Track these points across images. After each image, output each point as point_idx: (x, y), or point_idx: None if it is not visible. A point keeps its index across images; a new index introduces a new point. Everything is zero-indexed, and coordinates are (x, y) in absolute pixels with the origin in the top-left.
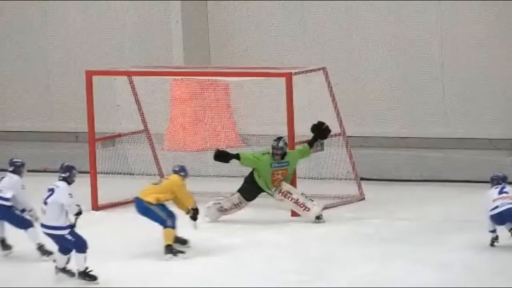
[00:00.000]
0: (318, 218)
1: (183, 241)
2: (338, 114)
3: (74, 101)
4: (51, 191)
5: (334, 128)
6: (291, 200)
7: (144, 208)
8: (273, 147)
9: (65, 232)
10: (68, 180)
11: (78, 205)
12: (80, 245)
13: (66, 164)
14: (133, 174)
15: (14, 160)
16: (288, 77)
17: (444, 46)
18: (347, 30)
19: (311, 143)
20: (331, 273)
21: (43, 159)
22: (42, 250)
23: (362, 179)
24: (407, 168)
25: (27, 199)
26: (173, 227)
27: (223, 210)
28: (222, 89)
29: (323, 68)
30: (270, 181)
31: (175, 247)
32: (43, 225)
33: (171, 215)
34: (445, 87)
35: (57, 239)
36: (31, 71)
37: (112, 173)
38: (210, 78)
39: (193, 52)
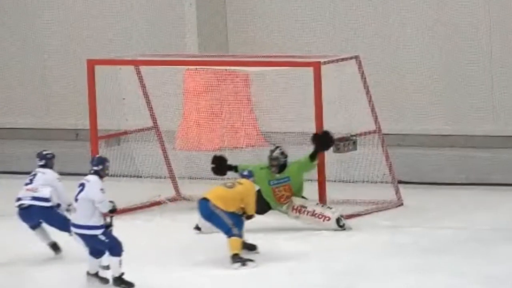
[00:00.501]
0: (339, 222)
1: (251, 247)
2: (372, 109)
3: (74, 94)
4: (82, 186)
5: (368, 124)
6: (307, 214)
7: (210, 212)
8: (268, 158)
9: (98, 232)
10: (101, 174)
11: (111, 202)
12: (115, 247)
13: (98, 156)
14: (140, 177)
15: (44, 152)
16: (317, 67)
17: (493, 32)
18: (383, 13)
19: (312, 155)
20: (362, 287)
21: None
22: None
23: (399, 182)
24: (451, 170)
25: (66, 192)
26: (240, 235)
27: None
28: (241, 80)
29: (356, 57)
30: (274, 199)
31: (243, 255)
32: (73, 225)
33: (238, 223)
34: (493, 78)
35: (88, 239)
36: (26, 60)
37: (117, 176)
38: (228, 68)
39: (208, 39)
